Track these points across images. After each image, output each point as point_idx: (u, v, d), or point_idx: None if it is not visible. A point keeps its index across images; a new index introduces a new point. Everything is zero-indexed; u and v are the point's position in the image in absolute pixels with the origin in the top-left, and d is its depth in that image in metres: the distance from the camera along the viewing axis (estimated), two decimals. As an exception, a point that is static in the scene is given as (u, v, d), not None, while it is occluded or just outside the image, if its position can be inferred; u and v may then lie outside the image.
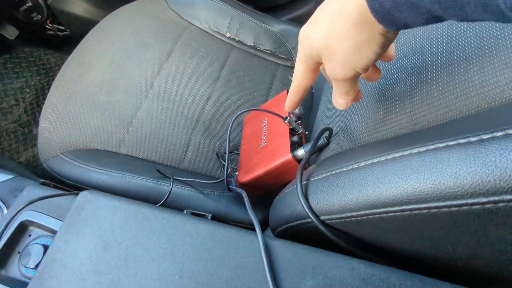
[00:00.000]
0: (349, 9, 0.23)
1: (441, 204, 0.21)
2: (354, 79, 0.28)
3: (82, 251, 0.29)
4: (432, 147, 0.23)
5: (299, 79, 0.31)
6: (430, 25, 0.36)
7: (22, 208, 0.34)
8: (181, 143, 0.62)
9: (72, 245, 0.30)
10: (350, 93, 0.29)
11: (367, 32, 0.23)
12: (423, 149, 0.23)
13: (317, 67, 0.30)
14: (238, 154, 0.61)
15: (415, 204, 0.23)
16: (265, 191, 0.56)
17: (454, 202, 0.21)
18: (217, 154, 0.63)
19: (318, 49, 0.26)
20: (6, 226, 0.32)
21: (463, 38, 0.30)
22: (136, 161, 0.59)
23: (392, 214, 0.24)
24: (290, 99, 0.34)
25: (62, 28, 1.13)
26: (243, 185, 0.52)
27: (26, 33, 1.09)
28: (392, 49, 0.30)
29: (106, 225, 0.30)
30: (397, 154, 0.25)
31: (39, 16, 1.06)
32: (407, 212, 0.23)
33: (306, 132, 0.55)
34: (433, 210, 0.22)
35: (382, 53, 0.25)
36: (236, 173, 0.56)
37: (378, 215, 0.25)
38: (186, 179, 0.53)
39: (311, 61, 0.29)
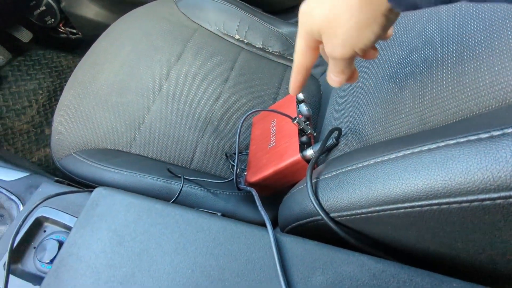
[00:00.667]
0: None
1: (452, 200, 0.21)
2: (351, 59, 0.28)
3: (97, 245, 0.30)
4: (442, 144, 0.23)
5: (300, 57, 0.31)
6: (440, 25, 0.37)
7: (39, 203, 0.35)
8: (190, 143, 0.63)
9: (87, 239, 0.31)
10: (346, 72, 0.30)
11: (371, 12, 0.23)
12: (433, 146, 0.24)
13: (317, 45, 0.30)
14: (247, 154, 0.61)
15: (426, 200, 0.23)
16: (273, 191, 0.56)
17: (464, 198, 0.21)
18: (225, 155, 0.64)
19: (320, 26, 0.26)
20: (23, 221, 0.33)
21: (473, 38, 0.31)
22: (146, 160, 0.60)
23: (402, 210, 0.24)
24: (294, 79, 0.33)
25: (74, 31, 1.15)
26: (252, 185, 0.53)
27: (39, 36, 1.12)
28: (391, 28, 0.29)
29: (120, 220, 0.31)
30: (407, 152, 0.25)
31: (52, 20, 1.09)
32: (418, 209, 0.23)
33: (315, 133, 0.55)
34: (444, 206, 0.22)
35: (382, 34, 0.25)
36: (245, 173, 0.57)
37: (389, 212, 0.25)
38: (196, 178, 0.54)
39: (311, 38, 0.28)
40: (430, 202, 0.23)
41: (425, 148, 0.24)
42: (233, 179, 0.55)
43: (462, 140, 0.22)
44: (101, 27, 1.13)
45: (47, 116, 1.05)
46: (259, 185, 0.53)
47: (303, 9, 0.28)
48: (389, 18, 0.24)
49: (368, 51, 0.30)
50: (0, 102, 1.02)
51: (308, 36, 0.29)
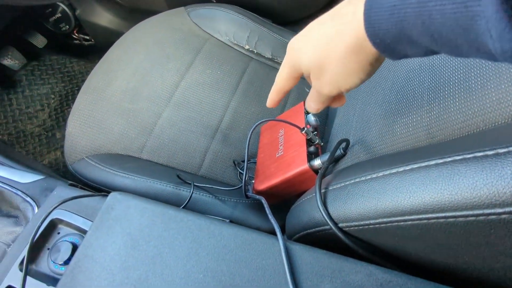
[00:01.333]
0: (347, 37, 0.24)
1: (458, 213, 0.22)
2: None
3: (112, 248, 0.31)
4: (449, 159, 0.24)
5: (281, 84, 0.33)
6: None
7: (57, 206, 0.36)
8: (199, 150, 0.64)
9: (102, 242, 0.32)
10: (326, 103, 0.32)
11: (358, 62, 0.24)
12: (441, 161, 0.25)
13: (299, 76, 0.31)
14: (254, 163, 0.62)
15: (432, 213, 0.24)
16: (279, 200, 0.57)
17: (470, 212, 0.22)
18: (234, 162, 0.65)
19: (308, 67, 0.28)
20: (42, 222, 0.35)
21: (480, 56, 0.32)
22: (156, 166, 0.61)
23: (410, 222, 0.25)
24: (271, 98, 0.35)
25: (88, 38, 1.18)
26: (260, 193, 0.54)
27: (53, 42, 1.15)
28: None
29: (135, 225, 0.32)
30: (415, 165, 0.26)
31: (67, 27, 1.12)
32: (425, 221, 0.24)
33: (322, 143, 0.56)
34: (450, 220, 0.23)
35: (366, 80, 0.27)
36: (253, 181, 0.58)
37: (396, 223, 0.26)
38: (204, 185, 0.55)
39: (295, 71, 0.30)
40: (437, 215, 0.23)
41: (433, 162, 0.25)
42: (241, 186, 0.56)
43: (469, 156, 0.22)
44: (113, 35, 1.16)
45: (59, 120, 1.08)
46: (266, 193, 0.54)
47: (292, 45, 0.29)
48: (375, 66, 0.25)
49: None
50: (14, 105, 1.05)
51: (293, 69, 0.30)
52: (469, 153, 0.23)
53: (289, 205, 0.49)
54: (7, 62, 1.00)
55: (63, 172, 0.97)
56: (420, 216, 0.24)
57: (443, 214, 0.23)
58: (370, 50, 0.23)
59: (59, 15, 1.08)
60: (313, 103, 0.33)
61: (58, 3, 1.04)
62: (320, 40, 0.26)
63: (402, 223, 0.25)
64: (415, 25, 0.19)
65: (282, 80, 0.32)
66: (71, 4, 1.07)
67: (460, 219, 0.22)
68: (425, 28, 0.19)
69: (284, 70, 0.31)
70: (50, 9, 1.05)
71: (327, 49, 0.25)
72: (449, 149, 0.26)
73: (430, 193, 0.24)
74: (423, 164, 0.26)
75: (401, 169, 0.27)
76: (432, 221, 0.24)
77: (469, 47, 0.18)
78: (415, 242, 0.27)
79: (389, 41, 0.21)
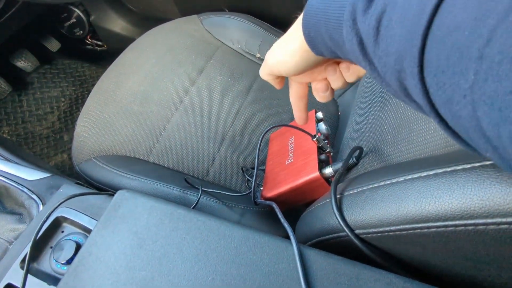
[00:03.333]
0: (293, 30, 0.29)
1: (490, 221, 0.21)
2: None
3: (117, 246, 0.30)
4: (477, 164, 0.23)
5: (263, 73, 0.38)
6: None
7: (63, 202, 0.35)
8: (207, 155, 0.64)
9: (108, 240, 0.30)
10: (270, 77, 0.36)
11: (296, 43, 0.29)
12: (468, 166, 0.23)
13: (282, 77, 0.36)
14: (263, 170, 0.61)
15: (460, 220, 0.22)
16: (286, 208, 0.55)
17: (504, 220, 0.20)
18: (241, 169, 0.64)
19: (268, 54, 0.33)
20: (47, 218, 0.34)
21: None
22: (163, 170, 0.60)
23: (434, 229, 0.23)
24: (297, 116, 0.41)
25: (100, 43, 1.20)
26: (268, 200, 0.52)
27: (67, 46, 1.16)
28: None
29: (142, 223, 0.31)
30: (440, 170, 0.25)
31: (81, 32, 1.13)
32: (451, 228, 0.23)
33: (332, 152, 0.55)
34: (480, 227, 0.21)
35: (300, 64, 0.30)
36: (261, 188, 0.56)
37: (419, 230, 0.24)
38: (212, 190, 0.54)
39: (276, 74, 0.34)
40: (465, 222, 0.22)
41: (460, 167, 0.24)
42: (249, 193, 0.55)
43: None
44: (125, 41, 1.17)
45: (67, 123, 1.08)
46: (275, 201, 0.52)
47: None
48: (307, 56, 0.29)
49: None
50: (24, 106, 1.06)
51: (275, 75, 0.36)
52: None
53: (296, 214, 0.48)
54: (21, 64, 1.01)
55: (68, 174, 0.97)
56: (446, 223, 0.23)
57: (472, 221, 0.22)
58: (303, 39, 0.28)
59: (74, 20, 1.10)
60: (262, 70, 0.36)
61: (73, 8, 1.06)
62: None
63: (426, 230, 0.24)
64: (322, 28, 0.24)
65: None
66: (86, 10, 1.09)
67: (492, 226, 0.21)
68: (328, 32, 0.23)
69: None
70: (65, 14, 1.07)
71: (284, 39, 0.31)
72: (469, 156, 0.25)
73: (458, 198, 0.22)
74: (448, 169, 0.25)
75: (423, 173, 0.26)
76: (460, 228, 0.22)
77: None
78: (439, 251, 0.25)
79: (312, 34, 0.26)
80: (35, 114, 1.06)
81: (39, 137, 1.02)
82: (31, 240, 0.36)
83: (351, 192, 0.31)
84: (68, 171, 0.97)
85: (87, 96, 1.21)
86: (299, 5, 0.88)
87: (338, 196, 0.33)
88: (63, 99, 1.12)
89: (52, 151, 1.01)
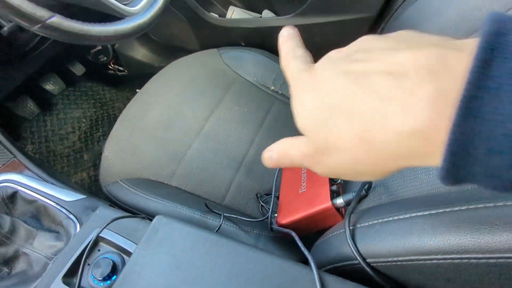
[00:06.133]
0: (402, 117, 0.15)
1: (480, 256, 0.25)
2: None
3: (157, 266, 0.34)
4: (472, 206, 0.27)
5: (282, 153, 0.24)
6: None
7: (107, 224, 0.40)
8: (224, 181, 0.68)
9: (148, 260, 0.35)
10: (283, 166, 0.24)
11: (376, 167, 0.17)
12: (464, 207, 0.28)
13: None
14: (276, 197, 0.65)
15: (457, 254, 0.27)
16: (298, 235, 0.59)
17: (492, 255, 0.25)
18: (256, 195, 0.68)
19: (304, 130, 0.20)
20: (95, 238, 0.38)
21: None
22: (184, 193, 0.65)
23: (435, 261, 0.28)
24: None
25: (121, 69, 1.28)
26: (282, 227, 0.56)
27: (90, 71, 1.24)
28: None
29: (179, 246, 0.35)
30: (440, 210, 0.30)
31: (105, 58, 1.21)
32: (449, 261, 0.27)
33: (342, 183, 0.59)
34: (473, 261, 0.26)
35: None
36: (275, 215, 0.61)
37: (423, 261, 0.28)
38: (230, 215, 0.58)
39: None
40: (461, 256, 0.26)
41: (456, 208, 0.28)
42: (265, 219, 0.59)
43: (490, 204, 0.26)
44: (146, 67, 1.25)
45: (87, 143, 1.14)
46: (288, 227, 0.56)
47: (296, 107, 0.20)
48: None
49: None
50: (48, 126, 1.12)
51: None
52: (490, 202, 0.26)
53: (306, 241, 0.52)
54: (49, 87, 1.08)
55: (88, 193, 1.01)
56: (445, 256, 0.27)
57: (466, 255, 0.26)
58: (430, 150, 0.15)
59: (99, 47, 1.18)
60: (271, 157, 0.24)
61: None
62: (341, 120, 0.17)
63: (428, 261, 0.28)
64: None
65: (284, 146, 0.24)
66: (112, 39, 1.17)
67: (483, 260, 0.25)
68: None
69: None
70: (92, 42, 1.16)
71: (337, 134, 0.17)
72: (468, 198, 0.29)
73: (454, 235, 0.27)
74: (447, 210, 0.29)
75: (426, 212, 0.30)
76: (457, 261, 0.26)
77: None
78: (439, 280, 0.29)
79: (463, 154, 0.14)
80: (57, 133, 1.12)
81: (60, 156, 1.08)
82: (73, 257, 0.41)
83: (362, 225, 0.36)
84: (88, 189, 1.02)
85: (107, 118, 1.28)
86: (309, 42, 0.95)
87: (351, 228, 0.37)
88: (84, 120, 1.18)
89: (72, 169, 1.06)
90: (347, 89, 0.17)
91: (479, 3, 0.50)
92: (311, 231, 0.59)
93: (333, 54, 0.20)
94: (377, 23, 0.82)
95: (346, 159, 0.18)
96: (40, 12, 0.40)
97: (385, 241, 0.31)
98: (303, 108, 0.20)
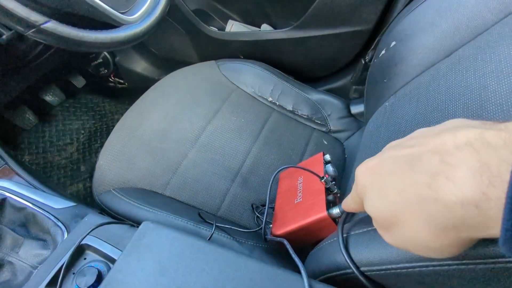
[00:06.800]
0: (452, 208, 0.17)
1: (478, 261, 0.24)
2: None
3: (141, 273, 0.33)
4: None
5: (348, 208, 0.31)
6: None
7: (91, 230, 0.39)
8: (220, 191, 0.67)
9: (132, 267, 0.33)
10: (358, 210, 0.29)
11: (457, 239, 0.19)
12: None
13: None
14: (272, 208, 0.64)
15: (453, 260, 0.25)
16: (294, 247, 0.57)
17: (492, 260, 0.23)
18: (251, 206, 0.67)
19: (372, 212, 0.24)
20: (77, 246, 0.37)
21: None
22: (178, 203, 0.64)
23: (431, 268, 0.26)
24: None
25: (122, 81, 1.29)
26: (277, 237, 0.55)
27: (91, 83, 1.25)
28: None
29: (165, 253, 0.34)
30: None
31: (106, 71, 1.23)
32: (446, 267, 0.26)
33: (339, 194, 0.58)
34: (462, 267, 0.25)
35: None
36: (270, 225, 0.59)
37: (418, 269, 0.27)
38: (223, 225, 0.57)
39: (359, 205, 0.27)
40: (454, 262, 0.25)
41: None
42: (259, 229, 0.57)
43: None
44: (146, 80, 1.27)
45: (85, 154, 1.13)
46: (284, 238, 0.55)
47: (361, 177, 0.26)
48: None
49: None
50: (46, 137, 1.12)
51: (357, 203, 0.28)
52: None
53: (302, 253, 0.50)
54: (48, 98, 1.09)
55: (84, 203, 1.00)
56: (441, 262, 0.26)
57: (456, 262, 0.25)
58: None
59: (100, 60, 1.19)
60: (350, 206, 0.29)
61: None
62: (396, 195, 0.20)
63: (424, 268, 0.27)
64: None
65: (349, 206, 0.30)
66: (113, 52, 1.19)
67: (471, 266, 0.24)
68: None
69: (351, 201, 0.29)
70: (93, 55, 1.17)
71: (400, 203, 0.20)
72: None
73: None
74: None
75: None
76: (453, 267, 0.25)
77: None
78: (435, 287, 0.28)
79: None
80: (55, 144, 1.12)
81: (57, 167, 1.07)
82: (57, 266, 0.39)
83: (356, 232, 0.34)
84: (83, 200, 1.01)
85: (106, 129, 1.27)
86: (307, 54, 0.96)
87: (344, 235, 0.36)
88: (82, 132, 1.18)
89: (68, 180, 1.05)
90: (400, 169, 0.21)
91: (473, 13, 0.50)
92: (308, 242, 0.57)
93: (392, 143, 0.26)
94: (373, 36, 0.83)
95: (407, 232, 0.21)
96: (35, 17, 0.40)
97: (378, 247, 0.30)
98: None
